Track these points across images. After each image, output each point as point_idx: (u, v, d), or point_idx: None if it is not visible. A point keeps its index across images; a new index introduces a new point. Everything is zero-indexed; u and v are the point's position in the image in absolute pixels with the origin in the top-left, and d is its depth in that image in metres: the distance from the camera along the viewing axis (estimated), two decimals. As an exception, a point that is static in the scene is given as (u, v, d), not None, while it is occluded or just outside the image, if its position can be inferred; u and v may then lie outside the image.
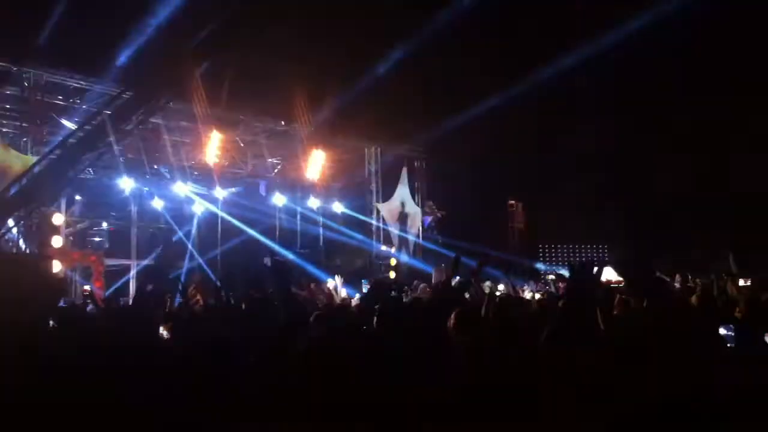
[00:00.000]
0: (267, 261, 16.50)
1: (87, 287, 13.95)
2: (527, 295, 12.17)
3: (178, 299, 7.31)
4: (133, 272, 16.09)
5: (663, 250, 18.21)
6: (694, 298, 7.72)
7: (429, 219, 22.55)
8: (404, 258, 21.49)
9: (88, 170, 14.31)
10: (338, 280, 11.64)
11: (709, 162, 20.44)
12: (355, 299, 10.77)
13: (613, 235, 23.54)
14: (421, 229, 22.46)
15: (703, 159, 20.33)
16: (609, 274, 10.52)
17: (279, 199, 19.22)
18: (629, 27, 16.90)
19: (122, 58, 13.64)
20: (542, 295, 11.30)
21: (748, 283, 10.30)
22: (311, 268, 18.20)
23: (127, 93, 11.24)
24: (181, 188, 17.10)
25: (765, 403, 2.50)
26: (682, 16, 16.30)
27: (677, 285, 10.71)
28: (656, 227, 20.60)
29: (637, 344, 2.70)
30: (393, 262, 20.86)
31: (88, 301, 9.53)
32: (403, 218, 22.04)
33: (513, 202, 25.23)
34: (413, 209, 22.31)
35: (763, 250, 16.00)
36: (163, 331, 5.77)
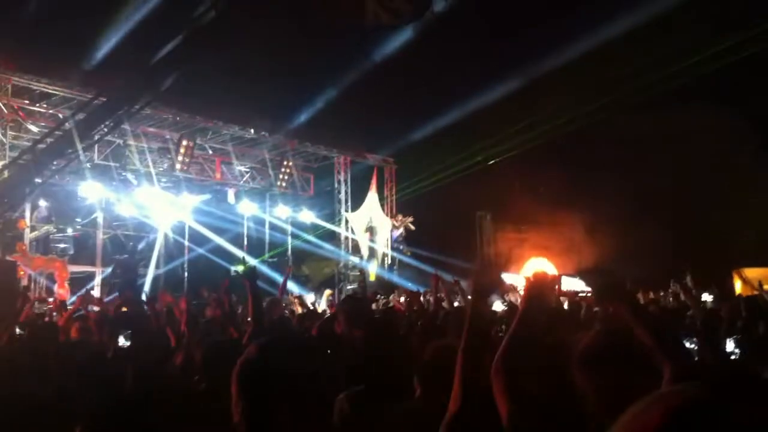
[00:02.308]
0: (234, 270, 16.65)
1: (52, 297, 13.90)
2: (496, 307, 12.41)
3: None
4: (97, 279, 16.12)
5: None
6: (652, 308, 8.12)
7: (398, 232, 22.71)
8: (374, 268, 21.67)
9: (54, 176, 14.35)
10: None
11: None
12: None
13: (581, 245, 23.96)
14: (390, 240, 22.64)
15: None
16: (575, 285, 10.74)
17: (247, 207, 19.32)
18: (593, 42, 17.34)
19: (91, 63, 13.73)
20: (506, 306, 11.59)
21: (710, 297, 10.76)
22: (279, 277, 18.30)
23: (98, 99, 11.35)
24: (148, 195, 17.12)
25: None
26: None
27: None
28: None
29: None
30: (362, 272, 21.05)
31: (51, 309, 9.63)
32: (372, 228, 22.22)
33: (482, 213, 25.48)
34: (382, 219, 22.51)
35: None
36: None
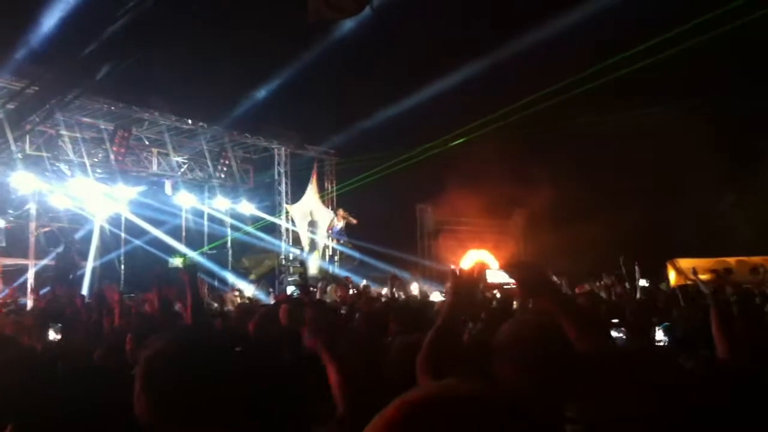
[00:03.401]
0: (173, 262, 16.54)
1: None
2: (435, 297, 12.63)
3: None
4: (31, 272, 15.81)
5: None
6: (582, 300, 8.40)
7: (340, 225, 22.79)
8: (314, 260, 21.73)
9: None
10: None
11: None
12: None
13: (521, 238, 24.46)
14: (330, 232, 22.71)
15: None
16: (501, 277, 10.89)
17: (185, 199, 19.16)
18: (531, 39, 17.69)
19: (24, 53, 13.45)
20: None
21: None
22: (218, 270, 18.27)
23: (30, 89, 11.16)
24: (83, 186, 16.84)
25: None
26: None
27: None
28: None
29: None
30: (302, 264, 21.08)
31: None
32: (312, 220, 22.27)
33: (423, 205, 25.72)
34: (323, 211, 22.58)
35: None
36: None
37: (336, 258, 22.61)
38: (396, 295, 8.97)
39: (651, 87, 19.97)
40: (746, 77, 19.89)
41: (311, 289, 13.02)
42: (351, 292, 12.35)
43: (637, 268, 11.69)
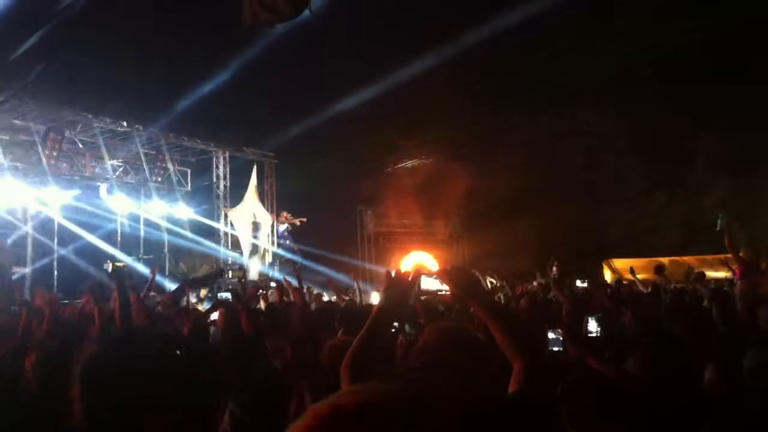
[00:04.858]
0: (107, 267, 16.35)
1: None
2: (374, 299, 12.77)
3: None
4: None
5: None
6: (522, 302, 8.68)
7: (283, 227, 22.80)
8: (255, 265, 21.68)
9: None
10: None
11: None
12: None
13: (459, 240, 24.85)
14: (271, 235, 22.70)
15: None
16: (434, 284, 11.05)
17: (121, 203, 18.96)
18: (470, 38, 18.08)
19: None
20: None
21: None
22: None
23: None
24: (14, 190, 16.53)
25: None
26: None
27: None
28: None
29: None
30: (241, 268, 21.01)
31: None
32: (252, 224, 22.21)
33: (363, 208, 25.92)
34: (263, 215, 22.54)
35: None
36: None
37: (277, 262, 22.60)
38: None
39: (583, 90, 20.58)
40: (675, 82, 20.66)
41: (260, 292, 13.09)
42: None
43: (555, 267, 12.11)
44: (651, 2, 19.21)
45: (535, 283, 13.07)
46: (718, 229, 7.57)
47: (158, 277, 18.05)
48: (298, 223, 22.90)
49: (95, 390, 1.96)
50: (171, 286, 18.64)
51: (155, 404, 1.96)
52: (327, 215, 23.27)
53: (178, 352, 4.07)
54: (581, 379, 3.04)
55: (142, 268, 17.80)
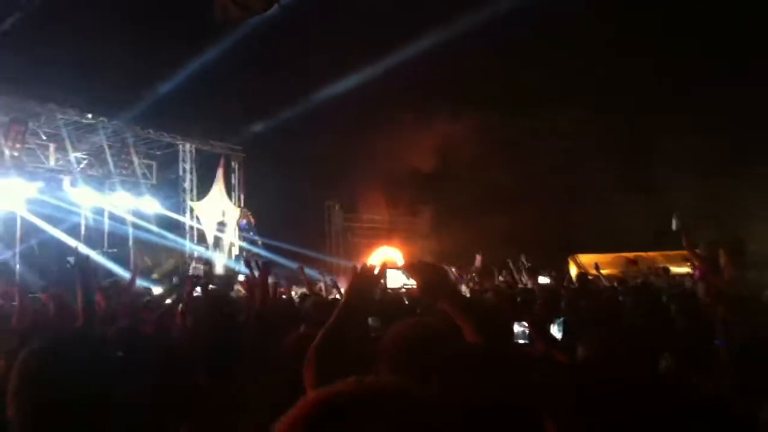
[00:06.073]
0: (71, 259, 16.23)
1: None
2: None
3: None
4: None
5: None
6: (489, 295, 8.82)
7: (244, 222, 22.80)
8: (221, 259, 21.68)
9: None
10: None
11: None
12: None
13: (428, 235, 25.03)
14: (237, 229, 22.69)
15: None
16: (400, 279, 11.12)
17: (85, 196, 18.83)
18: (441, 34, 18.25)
19: None
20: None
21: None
22: (119, 269, 18.01)
23: None
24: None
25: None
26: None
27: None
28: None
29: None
30: (207, 262, 20.99)
31: None
32: (218, 218, 22.20)
33: (332, 203, 26.00)
34: (229, 208, 22.53)
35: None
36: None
37: (242, 256, 22.59)
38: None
39: (551, 91, 20.88)
40: (642, 80, 21.00)
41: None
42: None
43: (523, 262, 12.29)
44: (619, 4, 19.55)
45: (501, 278, 13.24)
46: (674, 228, 7.78)
47: (122, 271, 18.11)
48: (252, 220, 22.84)
49: (27, 386, 1.96)
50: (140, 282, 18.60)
51: (87, 404, 1.95)
52: (295, 210, 23.28)
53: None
54: (554, 372, 3.03)
55: (107, 262, 17.74)
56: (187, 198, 21.97)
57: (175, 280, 13.42)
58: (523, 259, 12.49)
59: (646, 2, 19.96)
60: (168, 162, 21.88)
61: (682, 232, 7.68)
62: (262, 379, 3.12)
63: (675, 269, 14.72)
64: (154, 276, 20.03)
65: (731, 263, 6.85)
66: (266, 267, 5.52)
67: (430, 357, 2.13)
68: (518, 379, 2.26)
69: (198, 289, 6.81)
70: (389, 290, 8.87)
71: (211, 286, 11.14)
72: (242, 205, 23.08)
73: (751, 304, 5.41)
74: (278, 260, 20.83)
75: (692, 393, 3.10)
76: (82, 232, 18.94)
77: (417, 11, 19.02)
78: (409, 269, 2.53)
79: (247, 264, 7.60)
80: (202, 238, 22.00)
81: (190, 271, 19.27)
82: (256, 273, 5.37)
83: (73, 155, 19.11)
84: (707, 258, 7.48)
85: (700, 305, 6.12)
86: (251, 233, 22.98)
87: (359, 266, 2.71)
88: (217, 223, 22.19)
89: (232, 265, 21.66)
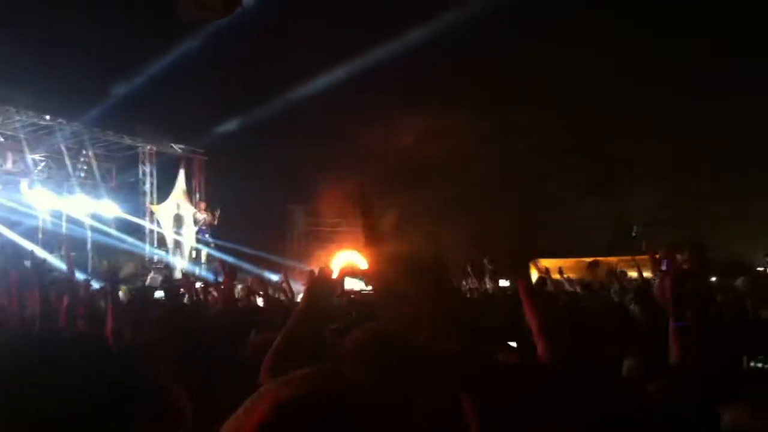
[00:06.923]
0: (27, 263, 16.05)
1: None
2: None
3: None
4: None
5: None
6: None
7: (201, 220, 22.60)
8: (180, 262, 21.56)
9: None
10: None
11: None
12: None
13: (392, 239, 25.08)
14: (196, 232, 22.55)
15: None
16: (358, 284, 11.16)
17: (42, 199, 18.61)
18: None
19: None
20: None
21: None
22: (77, 273, 17.77)
23: None
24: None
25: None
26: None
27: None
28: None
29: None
30: (167, 266, 20.87)
31: None
32: (178, 221, 22.06)
33: (293, 207, 25.98)
34: (189, 212, 22.39)
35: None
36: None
37: (202, 260, 22.49)
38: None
39: (515, 92, 21.12)
40: (602, 82, 21.37)
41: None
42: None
43: (486, 265, 12.44)
44: (589, 7, 19.87)
45: (464, 283, 13.39)
46: (634, 235, 7.99)
47: (80, 275, 17.90)
48: (215, 222, 22.66)
49: None
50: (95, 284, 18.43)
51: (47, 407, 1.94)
52: (257, 213, 23.23)
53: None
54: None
55: (63, 266, 17.50)
56: (147, 201, 21.80)
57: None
58: (486, 262, 12.66)
59: (606, 3, 20.33)
60: (128, 165, 21.71)
61: (642, 240, 7.86)
62: (222, 383, 3.08)
63: (632, 273, 15.01)
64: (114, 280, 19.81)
65: (692, 263, 7.03)
66: (232, 272, 5.55)
67: (383, 359, 2.10)
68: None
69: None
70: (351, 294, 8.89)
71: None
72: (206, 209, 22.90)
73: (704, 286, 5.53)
74: (239, 264, 20.81)
75: (652, 397, 3.13)
76: (40, 235, 18.70)
77: (378, 15, 19.16)
78: (367, 275, 2.50)
79: (215, 273, 7.63)
80: (162, 242, 21.85)
81: (147, 281, 19.14)
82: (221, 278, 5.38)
83: (30, 157, 18.89)
84: (663, 259, 7.65)
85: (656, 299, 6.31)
86: (206, 235, 22.79)
87: (317, 271, 2.69)
88: (175, 227, 22.03)
89: (191, 269, 21.55)
